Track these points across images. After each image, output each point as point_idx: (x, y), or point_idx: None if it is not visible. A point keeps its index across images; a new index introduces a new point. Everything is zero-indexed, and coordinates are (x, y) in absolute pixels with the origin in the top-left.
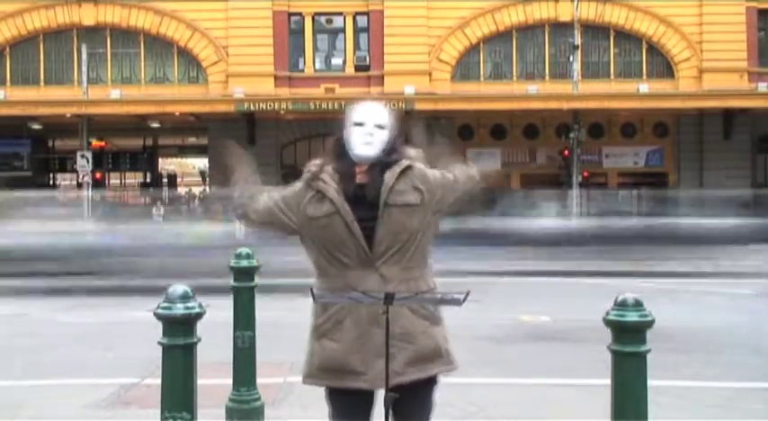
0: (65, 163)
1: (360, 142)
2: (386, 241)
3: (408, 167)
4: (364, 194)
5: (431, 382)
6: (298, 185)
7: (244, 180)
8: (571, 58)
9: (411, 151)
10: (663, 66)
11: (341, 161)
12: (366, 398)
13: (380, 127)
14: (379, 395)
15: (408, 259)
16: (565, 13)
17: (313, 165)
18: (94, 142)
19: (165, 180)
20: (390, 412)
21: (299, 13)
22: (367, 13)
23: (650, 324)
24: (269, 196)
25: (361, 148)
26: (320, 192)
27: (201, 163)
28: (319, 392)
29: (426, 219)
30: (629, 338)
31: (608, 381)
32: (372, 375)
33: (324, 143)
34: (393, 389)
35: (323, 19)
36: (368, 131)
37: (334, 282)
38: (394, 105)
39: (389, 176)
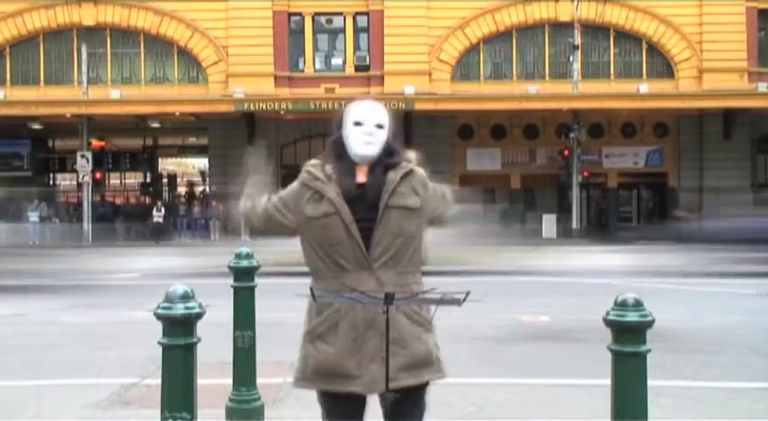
0: (65, 163)
1: (360, 142)
2: (383, 243)
3: (411, 171)
4: (364, 195)
5: (423, 385)
6: (295, 185)
7: (252, 187)
8: (571, 58)
9: (411, 154)
10: (663, 66)
11: (340, 161)
12: (358, 401)
13: (380, 126)
14: (372, 398)
15: (404, 264)
16: (565, 13)
17: (311, 164)
18: (94, 142)
19: (164, 180)
20: (386, 413)
21: (299, 13)
22: (367, 13)
23: (650, 324)
24: (268, 200)
25: (362, 148)
26: (318, 192)
27: (201, 163)
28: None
29: (422, 225)
30: (629, 338)
31: (608, 381)
32: (367, 379)
33: (324, 143)
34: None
35: (323, 19)
36: (368, 131)
37: (329, 284)
38: (393, 105)
39: (393, 178)
